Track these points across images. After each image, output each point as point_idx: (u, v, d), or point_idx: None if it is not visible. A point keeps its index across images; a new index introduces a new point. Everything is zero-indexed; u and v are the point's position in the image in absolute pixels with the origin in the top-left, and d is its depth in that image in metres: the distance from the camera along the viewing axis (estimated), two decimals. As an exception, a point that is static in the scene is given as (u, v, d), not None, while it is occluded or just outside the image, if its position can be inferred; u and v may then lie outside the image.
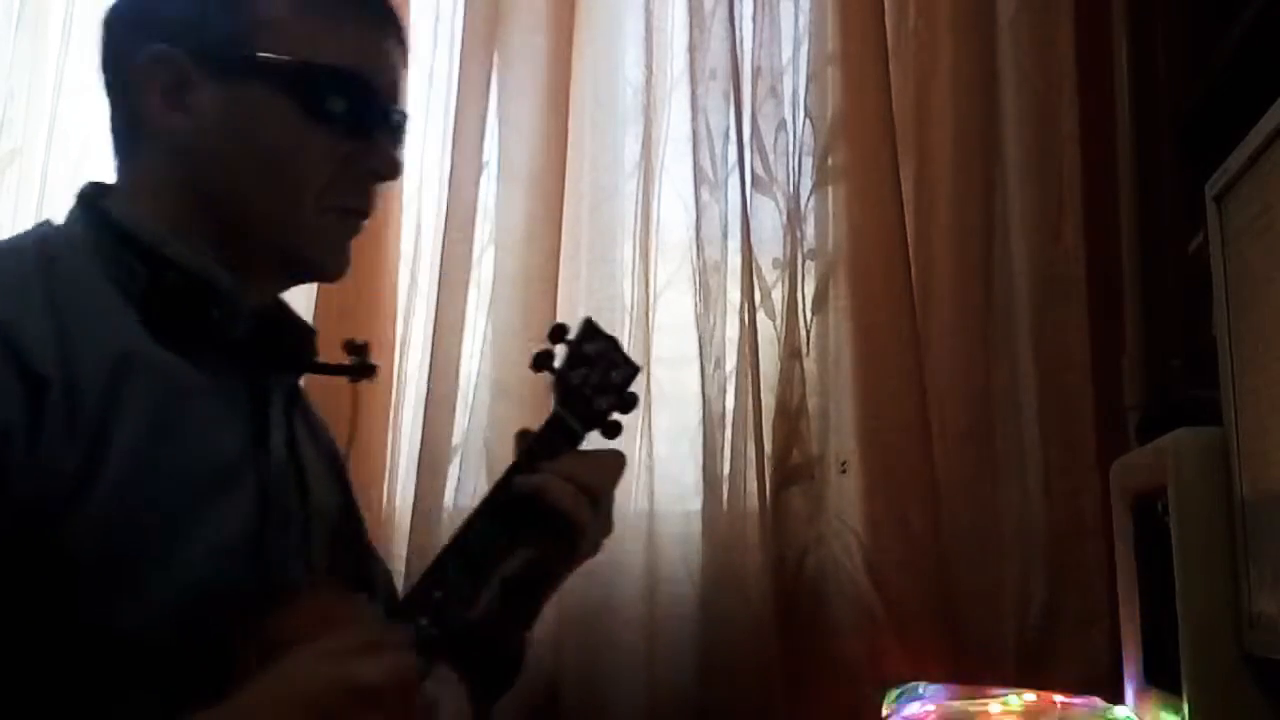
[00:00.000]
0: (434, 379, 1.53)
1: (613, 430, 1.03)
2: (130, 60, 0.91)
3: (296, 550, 0.95)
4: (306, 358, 1.01)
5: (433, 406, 1.53)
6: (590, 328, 1.04)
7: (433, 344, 1.55)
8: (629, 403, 1.03)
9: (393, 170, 0.98)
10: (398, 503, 1.59)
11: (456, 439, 1.54)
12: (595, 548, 1.01)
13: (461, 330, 1.57)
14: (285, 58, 0.90)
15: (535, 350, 1.02)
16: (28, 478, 0.78)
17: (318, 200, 0.93)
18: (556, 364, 1.01)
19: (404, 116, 0.99)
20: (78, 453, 0.80)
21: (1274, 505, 0.87)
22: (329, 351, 1.02)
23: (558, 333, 1.02)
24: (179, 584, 0.83)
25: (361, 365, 1.02)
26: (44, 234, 0.91)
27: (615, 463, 1.01)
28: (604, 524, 1.00)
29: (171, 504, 0.84)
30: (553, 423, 0.99)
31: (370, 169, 0.96)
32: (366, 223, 0.99)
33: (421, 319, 1.62)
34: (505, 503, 0.95)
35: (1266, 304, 0.89)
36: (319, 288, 1.56)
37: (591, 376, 1.01)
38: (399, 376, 1.61)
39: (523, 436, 1.00)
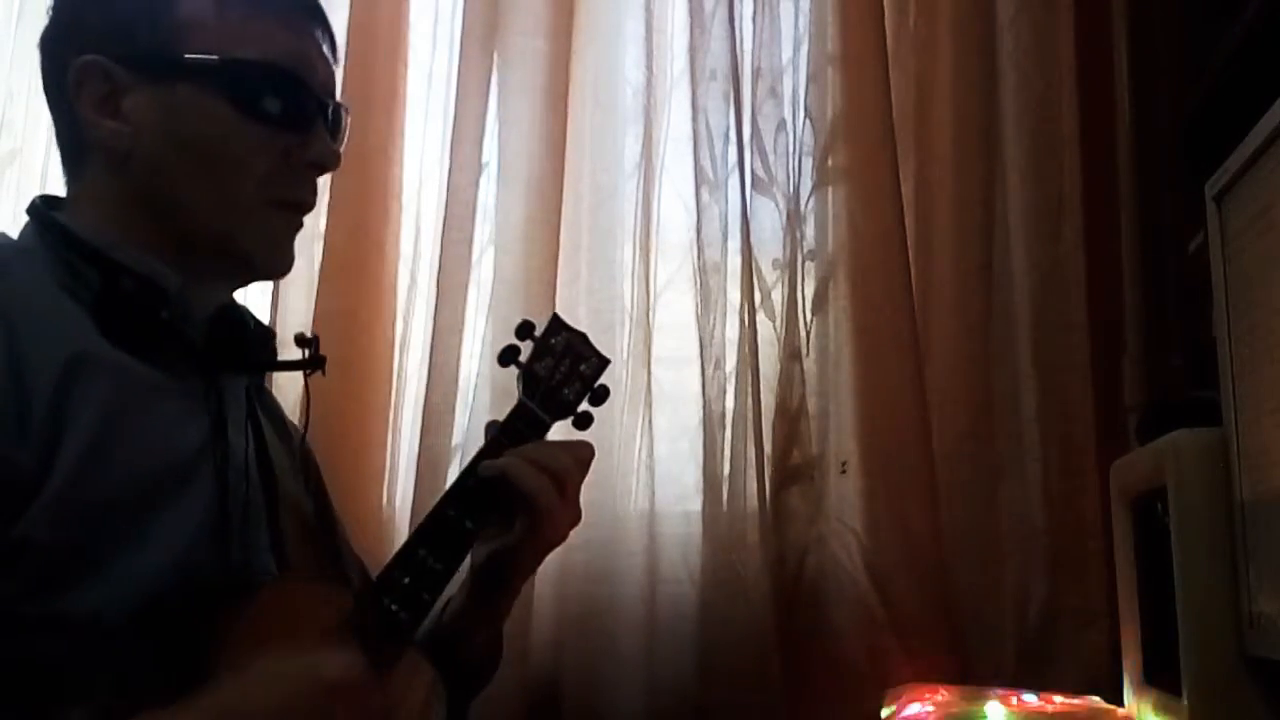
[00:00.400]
0: (433, 379, 1.54)
1: (583, 421, 1.05)
2: (63, 75, 0.93)
3: (265, 543, 0.96)
4: (261, 356, 1.02)
5: (432, 406, 1.53)
6: (557, 322, 1.06)
7: (432, 344, 1.55)
8: (600, 395, 1.05)
9: (332, 160, 1.00)
10: (398, 503, 1.59)
11: (456, 439, 1.54)
12: (563, 535, 1.02)
13: (461, 331, 1.57)
14: (212, 56, 0.92)
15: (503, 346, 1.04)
16: None
17: (257, 194, 0.95)
18: (522, 358, 1.03)
19: (341, 108, 1.01)
20: (30, 454, 0.81)
21: (1274, 505, 0.87)
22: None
23: (524, 329, 1.04)
24: (138, 579, 0.84)
25: (312, 359, 1.02)
26: None
27: (584, 451, 1.02)
28: (572, 511, 1.01)
29: (127, 501, 0.85)
30: (517, 411, 1.01)
31: (309, 160, 0.98)
32: (306, 218, 1.01)
33: (421, 319, 1.62)
34: (471, 488, 0.96)
35: (1266, 304, 0.89)
36: (318, 287, 1.56)
37: (559, 368, 1.03)
38: (399, 376, 1.61)
39: (490, 426, 1.02)
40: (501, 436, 1.00)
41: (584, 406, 1.05)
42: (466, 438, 1.54)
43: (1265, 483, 0.89)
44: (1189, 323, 1.33)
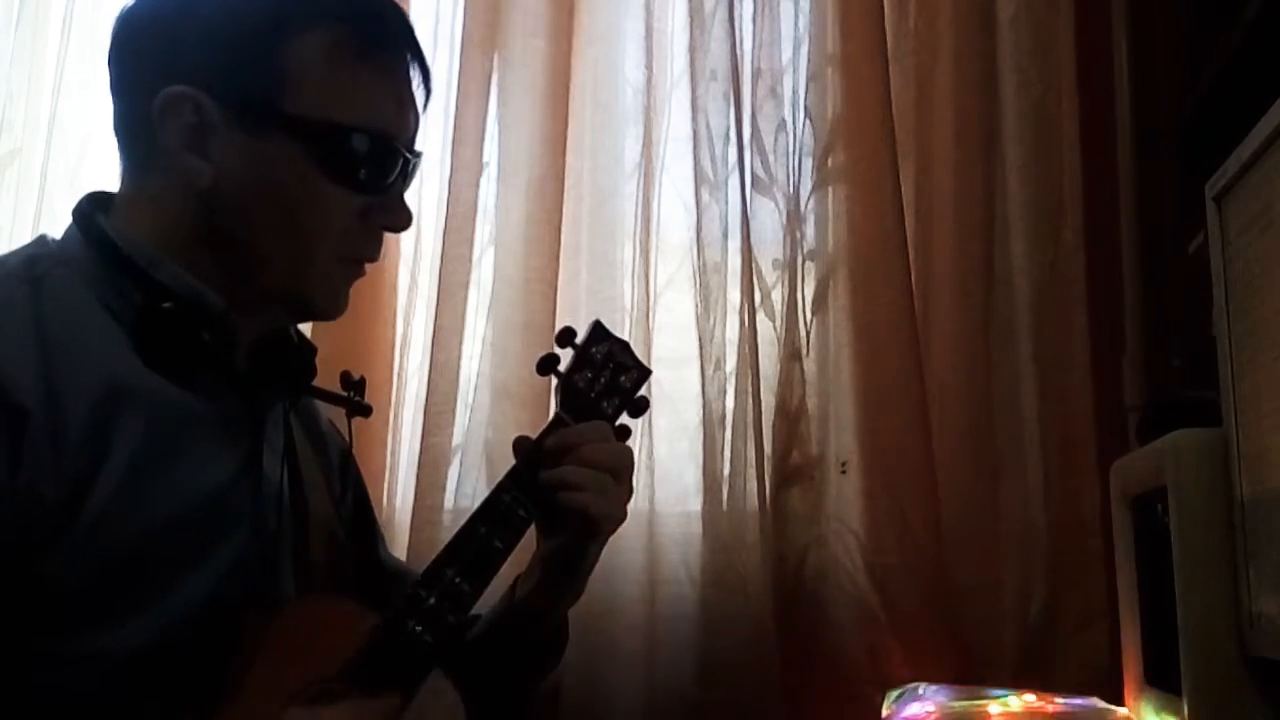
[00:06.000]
0: (434, 379, 1.53)
1: (621, 435, 1.02)
2: (152, 89, 0.89)
3: (294, 567, 0.94)
4: (303, 378, 1.00)
5: (433, 406, 1.53)
6: (599, 331, 1.03)
7: (433, 344, 1.55)
8: (639, 406, 1.03)
9: (406, 224, 0.98)
10: (398, 503, 1.59)
11: (456, 439, 1.54)
12: (613, 530, 0.99)
13: (461, 331, 1.57)
14: (314, 117, 0.90)
15: (542, 355, 1.01)
16: (4, 507, 0.78)
17: (331, 252, 0.93)
18: (561, 367, 1.00)
19: (418, 158, 0.99)
20: (61, 486, 0.79)
21: (1274, 505, 0.87)
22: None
23: (565, 336, 1.01)
24: (167, 619, 0.83)
25: (358, 403, 1.01)
26: (34, 253, 0.91)
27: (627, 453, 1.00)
28: (627, 489, 0.99)
29: (157, 542, 0.84)
30: (554, 426, 0.98)
31: (385, 223, 0.97)
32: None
33: (421, 319, 1.62)
34: (504, 506, 0.94)
35: (1266, 304, 0.89)
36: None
37: (598, 380, 1.00)
38: (399, 376, 1.61)
39: (521, 441, 0.99)
40: (536, 453, 0.97)
41: (623, 419, 1.02)
42: (466, 438, 1.54)
43: (1265, 483, 0.89)
44: (1189, 323, 1.33)
